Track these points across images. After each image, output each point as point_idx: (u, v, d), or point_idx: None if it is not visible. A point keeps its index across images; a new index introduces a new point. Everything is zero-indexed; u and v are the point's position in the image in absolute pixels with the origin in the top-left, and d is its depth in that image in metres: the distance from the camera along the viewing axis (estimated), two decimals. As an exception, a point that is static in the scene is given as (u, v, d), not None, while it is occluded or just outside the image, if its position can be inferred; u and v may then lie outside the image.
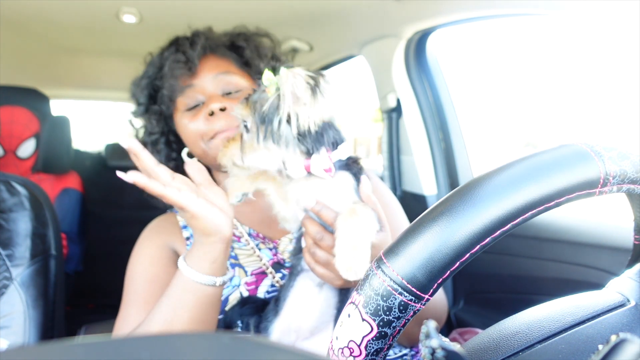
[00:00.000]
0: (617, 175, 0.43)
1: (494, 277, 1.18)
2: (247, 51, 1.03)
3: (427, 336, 0.34)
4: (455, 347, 0.33)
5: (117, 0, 1.56)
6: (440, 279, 0.40)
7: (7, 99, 2.00)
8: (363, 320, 0.41)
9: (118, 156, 2.60)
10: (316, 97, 0.69)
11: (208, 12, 1.64)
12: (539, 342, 0.45)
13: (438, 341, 0.33)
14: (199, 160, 1.02)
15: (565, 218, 1.33)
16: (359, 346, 0.41)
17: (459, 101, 1.69)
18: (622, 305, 0.50)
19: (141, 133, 1.10)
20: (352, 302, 0.42)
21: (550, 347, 0.44)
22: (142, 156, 0.73)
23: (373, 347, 0.41)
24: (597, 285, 0.61)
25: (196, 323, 0.78)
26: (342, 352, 0.42)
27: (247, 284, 0.95)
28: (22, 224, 1.06)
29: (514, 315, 0.51)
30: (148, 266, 0.95)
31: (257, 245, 1.00)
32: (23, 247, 1.04)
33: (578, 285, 1.23)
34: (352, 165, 0.78)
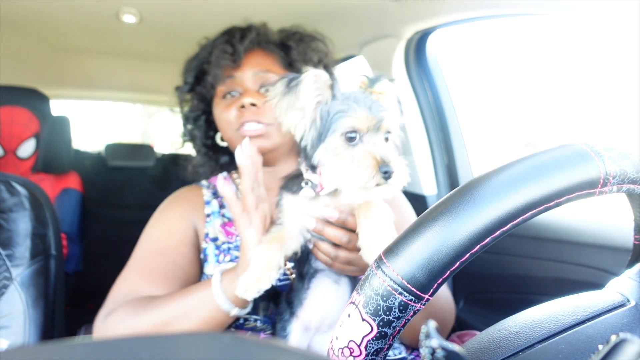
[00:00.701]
0: (617, 175, 0.43)
1: (494, 277, 1.18)
2: (294, 52, 1.06)
3: (427, 336, 0.34)
4: (455, 347, 0.33)
5: (117, 0, 1.56)
6: (440, 279, 0.40)
7: (7, 99, 2.00)
8: (363, 320, 0.41)
9: (118, 156, 2.60)
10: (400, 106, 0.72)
11: (208, 12, 1.64)
12: (539, 342, 0.45)
13: (438, 341, 0.33)
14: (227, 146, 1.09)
15: (565, 218, 1.33)
16: (359, 346, 0.41)
17: (459, 101, 1.69)
18: (622, 305, 0.50)
19: (186, 108, 1.16)
20: (352, 302, 0.42)
21: (550, 347, 0.44)
22: (245, 176, 0.76)
23: (373, 347, 0.41)
24: (597, 285, 0.61)
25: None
26: (342, 352, 0.42)
27: None
28: (22, 224, 1.06)
29: (514, 315, 0.51)
30: (162, 236, 0.98)
31: None
32: (23, 247, 1.04)
33: (578, 285, 1.23)
34: None
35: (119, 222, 2.43)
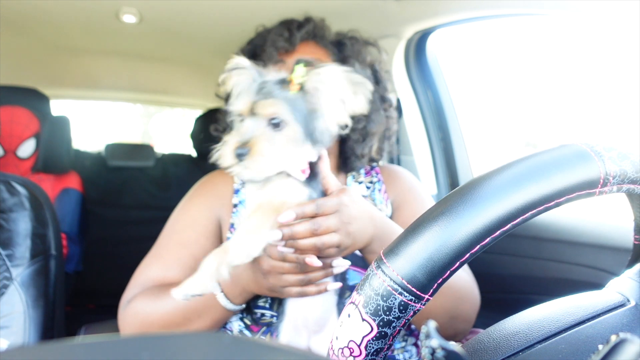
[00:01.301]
0: (617, 175, 0.43)
1: (494, 277, 1.18)
2: (348, 49, 1.04)
3: (427, 336, 0.34)
4: (455, 347, 0.33)
5: (117, 0, 1.56)
6: (441, 279, 0.40)
7: (7, 99, 2.00)
8: (363, 320, 0.41)
9: (118, 156, 2.60)
10: (356, 94, 0.69)
11: (208, 12, 1.64)
12: (539, 342, 0.45)
13: (438, 341, 0.33)
14: None
15: (565, 218, 1.33)
16: (359, 346, 0.41)
17: (459, 101, 1.69)
18: (622, 305, 0.50)
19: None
20: (352, 302, 0.42)
21: (550, 347, 0.44)
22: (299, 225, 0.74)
23: (373, 347, 0.41)
24: (597, 285, 0.61)
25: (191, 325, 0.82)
26: (342, 352, 0.42)
27: None
28: (22, 224, 1.06)
29: (514, 315, 0.51)
30: (184, 227, 0.99)
31: None
32: (23, 247, 1.04)
33: (578, 285, 1.23)
34: None
35: (119, 222, 2.43)
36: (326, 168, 0.76)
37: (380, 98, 1.06)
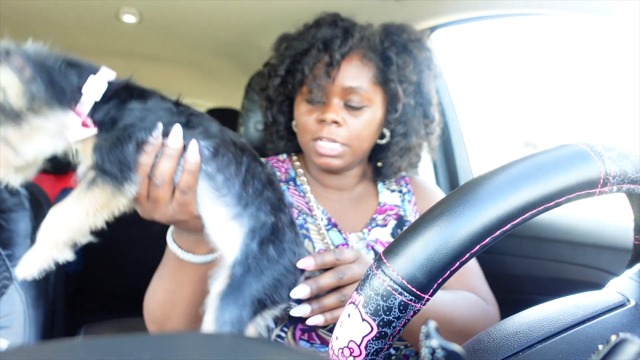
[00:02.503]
0: (617, 175, 0.43)
1: (494, 277, 1.18)
2: (393, 68, 0.96)
3: (427, 336, 0.34)
4: (455, 347, 0.33)
5: (117, 0, 1.56)
6: (441, 279, 0.40)
7: (7, 99, 1.99)
8: (363, 320, 0.41)
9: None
10: None
11: (208, 12, 1.64)
12: (539, 342, 0.45)
13: (438, 341, 0.33)
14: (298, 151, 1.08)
15: (565, 218, 1.33)
16: (359, 346, 0.41)
17: (459, 101, 1.69)
18: (622, 305, 0.50)
19: (272, 88, 1.07)
20: (352, 302, 0.42)
21: (550, 347, 0.44)
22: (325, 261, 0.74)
23: (373, 347, 0.41)
24: (597, 285, 0.61)
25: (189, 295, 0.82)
26: (342, 352, 0.42)
27: None
28: (22, 224, 1.06)
29: (514, 315, 0.51)
30: None
31: (327, 226, 0.99)
32: (23, 247, 1.04)
33: (578, 285, 1.23)
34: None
35: (118, 222, 2.42)
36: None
37: (422, 113, 1.03)
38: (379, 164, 1.06)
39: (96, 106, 0.66)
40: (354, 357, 0.41)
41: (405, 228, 0.61)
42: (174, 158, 0.67)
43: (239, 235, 0.70)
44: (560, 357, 0.43)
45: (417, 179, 1.15)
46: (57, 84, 0.63)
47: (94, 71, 0.67)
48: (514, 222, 0.40)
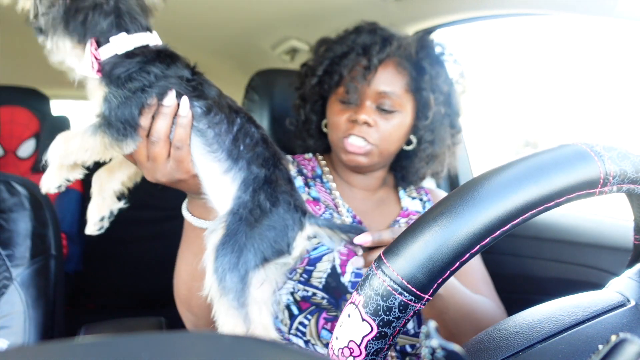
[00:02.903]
0: (617, 175, 0.43)
1: (494, 277, 1.18)
2: (426, 77, 1.01)
3: (427, 336, 0.34)
4: (455, 347, 0.33)
5: (117, 0, 1.56)
6: (440, 279, 0.40)
7: (7, 99, 2.00)
8: (363, 320, 0.41)
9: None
10: None
11: (208, 11, 1.64)
12: (539, 342, 0.45)
13: (438, 341, 0.33)
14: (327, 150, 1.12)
15: (565, 218, 1.33)
16: (359, 346, 0.41)
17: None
18: (622, 305, 0.50)
19: (309, 87, 1.12)
20: (352, 302, 0.42)
21: (550, 347, 0.44)
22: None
23: (373, 347, 0.41)
24: (597, 285, 0.61)
25: None
26: (342, 352, 0.42)
27: (340, 253, 0.97)
28: (22, 224, 1.06)
29: (514, 315, 0.51)
30: None
31: (353, 222, 1.02)
32: (23, 247, 1.04)
33: (578, 285, 1.23)
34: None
35: (118, 221, 2.42)
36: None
37: (450, 123, 1.08)
38: (403, 171, 1.11)
39: (120, 59, 0.72)
40: (354, 357, 0.41)
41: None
42: (168, 116, 0.73)
43: (232, 188, 0.74)
44: (560, 357, 0.43)
45: (436, 190, 1.19)
46: (78, 21, 0.71)
47: (133, 30, 0.74)
48: (514, 222, 0.40)
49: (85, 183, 2.33)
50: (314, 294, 0.93)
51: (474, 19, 1.36)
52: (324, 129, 1.10)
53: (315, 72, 1.07)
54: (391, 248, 0.42)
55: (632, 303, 0.50)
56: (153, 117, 0.73)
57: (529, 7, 1.17)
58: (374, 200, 1.10)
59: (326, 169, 1.10)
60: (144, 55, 0.72)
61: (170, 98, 0.72)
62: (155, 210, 2.49)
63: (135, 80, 0.70)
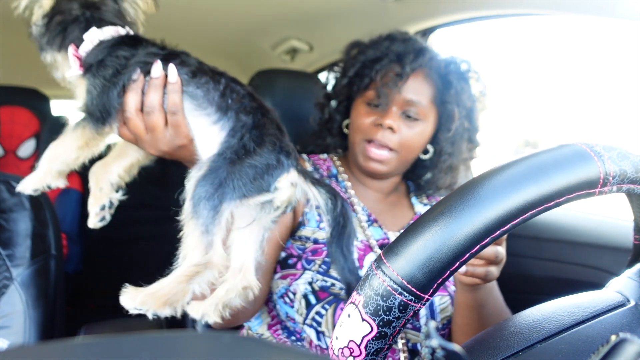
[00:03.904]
0: (617, 175, 0.43)
1: (494, 277, 1.19)
2: (452, 91, 1.04)
3: (427, 336, 0.34)
4: (455, 347, 0.33)
5: (117, 0, 1.56)
6: (440, 279, 0.40)
7: (7, 99, 2.00)
8: (363, 320, 0.41)
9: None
10: None
11: (208, 12, 1.64)
12: (539, 342, 0.45)
13: (438, 341, 0.33)
14: (345, 149, 1.15)
15: (566, 218, 1.33)
16: (359, 346, 0.41)
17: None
18: (622, 305, 0.50)
19: (339, 87, 1.14)
20: (352, 302, 0.42)
21: (550, 347, 0.44)
22: None
23: (373, 347, 0.41)
24: (597, 285, 0.61)
25: None
26: (342, 352, 0.42)
27: (357, 248, 0.99)
28: (22, 224, 1.06)
29: (514, 315, 0.51)
30: None
31: (367, 222, 1.05)
32: (23, 247, 1.04)
33: (578, 285, 1.23)
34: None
35: (119, 222, 2.42)
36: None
37: (469, 138, 1.11)
38: (419, 180, 1.15)
39: (93, 50, 0.76)
40: (354, 357, 0.41)
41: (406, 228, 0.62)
42: (158, 87, 0.76)
43: (221, 135, 0.77)
44: (560, 357, 0.43)
45: None
46: (55, 31, 0.78)
47: (104, 25, 0.78)
48: (514, 222, 0.40)
49: (86, 183, 2.33)
50: (333, 284, 0.95)
51: (474, 19, 1.36)
52: (345, 130, 1.13)
53: (346, 74, 1.09)
54: (391, 248, 0.42)
55: (632, 303, 0.50)
56: (143, 92, 0.76)
57: (529, 7, 1.17)
58: (387, 202, 1.12)
59: (341, 168, 1.12)
60: (110, 41, 0.77)
61: (157, 69, 0.76)
62: (155, 210, 2.49)
63: (108, 67, 0.75)
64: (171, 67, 0.76)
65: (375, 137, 1.00)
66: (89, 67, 0.75)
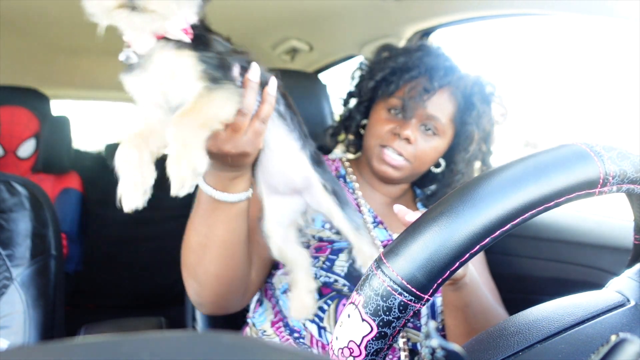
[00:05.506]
0: (617, 175, 0.43)
1: (494, 277, 1.18)
2: (474, 114, 1.04)
3: (427, 336, 0.34)
4: (455, 347, 0.33)
5: (117, 0, 1.56)
6: (440, 279, 0.40)
7: (7, 99, 2.00)
8: (363, 320, 0.41)
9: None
10: None
11: (207, 12, 1.64)
12: (539, 342, 0.45)
13: (438, 341, 0.33)
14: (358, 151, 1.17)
15: (566, 218, 1.33)
16: (358, 346, 0.41)
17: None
18: (622, 305, 0.50)
19: (365, 88, 1.14)
20: (351, 302, 0.42)
21: (550, 347, 0.44)
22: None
23: (373, 347, 0.41)
24: (597, 285, 0.61)
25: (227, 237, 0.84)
26: (342, 352, 0.42)
27: None
28: (22, 224, 1.06)
29: (514, 315, 0.51)
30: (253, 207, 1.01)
31: (373, 223, 1.05)
32: (23, 247, 1.04)
33: (578, 285, 1.23)
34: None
35: (119, 222, 2.43)
36: None
37: (483, 160, 1.12)
38: (428, 192, 1.17)
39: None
40: (354, 357, 0.41)
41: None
42: (255, 91, 0.74)
43: (307, 163, 0.84)
44: (560, 357, 0.43)
45: None
46: None
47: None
48: (514, 222, 0.40)
49: (85, 183, 2.34)
50: (336, 281, 0.95)
51: (474, 19, 1.36)
52: (361, 131, 1.14)
53: (373, 76, 1.10)
54: (391, 248, 0.42)
55: (632, 303, 0.50)
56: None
57: (529, 7, 1.17)
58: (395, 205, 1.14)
59: (350, 169, 1.13)
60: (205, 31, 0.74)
61: (256, 72, 0.73)
62: (155, 210, 2.49)
63: (214, 46, 0.70)
64: (273, 78, 0.76)
65: (392, 145, 1.01)
66: (197, 41, 0.69)
